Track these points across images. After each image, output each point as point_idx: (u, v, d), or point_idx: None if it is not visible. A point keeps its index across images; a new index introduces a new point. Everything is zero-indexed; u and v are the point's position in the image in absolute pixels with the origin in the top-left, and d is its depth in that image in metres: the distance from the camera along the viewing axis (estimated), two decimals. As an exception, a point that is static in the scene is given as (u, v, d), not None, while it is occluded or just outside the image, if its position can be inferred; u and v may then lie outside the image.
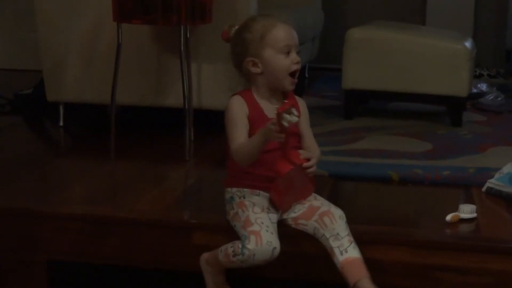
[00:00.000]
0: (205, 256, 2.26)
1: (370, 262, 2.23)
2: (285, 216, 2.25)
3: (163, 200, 2.59)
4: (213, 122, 3.38)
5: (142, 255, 2.39)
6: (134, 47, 3.42)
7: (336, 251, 2.13)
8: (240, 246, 2.10)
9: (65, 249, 2.43)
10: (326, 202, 2.25)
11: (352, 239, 2.15)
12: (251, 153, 2.13)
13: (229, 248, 2.14)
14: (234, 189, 2.24)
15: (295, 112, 2.02)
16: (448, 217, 2.34)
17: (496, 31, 5.40)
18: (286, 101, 2.16)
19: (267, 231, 2.11)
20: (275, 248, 2.10)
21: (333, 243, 2.14)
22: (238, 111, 2.19)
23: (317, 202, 2.25)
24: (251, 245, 2.08)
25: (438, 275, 2.22)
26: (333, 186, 2.75)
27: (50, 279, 2.47)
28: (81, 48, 3.54)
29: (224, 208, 2.28)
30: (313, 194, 2.27)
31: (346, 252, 2.13)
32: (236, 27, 2.26)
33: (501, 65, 5.26)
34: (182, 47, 3.08)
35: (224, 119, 2.22)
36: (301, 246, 2.25)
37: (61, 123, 3.69)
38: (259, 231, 2.10)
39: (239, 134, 2.17)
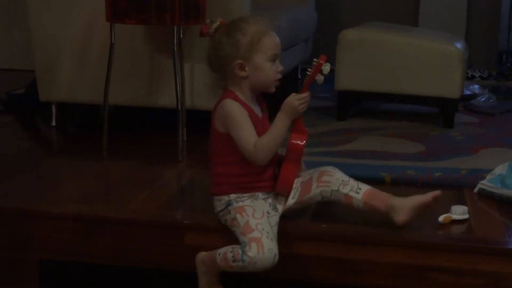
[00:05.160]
0: (201, 255, 2.24)
1: (362, 263, 2.24)
2: (286, 207, 2.26)
3: (156, 200, 2.58)
4: (206, 123, 3.38)
5: (135, 255, 2.38)
6: (127, 47, 3.41)
7: (352, 194, 2.21)
8: (240, 252, 2.09)
9: (57, 248, 2.42)
10: (311, 170, 2.30)
11: (353, 179, 2.24)
12: (276, 142, 2.16)
13: (228, 253, 2.12)
14: (232, 195, 2.22)
15: (328, 68, 2.13)
16: (440, 218, 2.34)
17: (489, 33, 5.41)
18: (322, 56, 2.18)
19: (267, 237, 2.09)
20: (275, 254, 2.09)
21: (345, 189, 2.21)
22: (242, 113, 2.18)
23: (305, 175, 2.29)
24: (252, 252, 2.06)
25: (431, 276, 2.22)
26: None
27: (42, 278, 2.46)
28: (74, 48, 3.54)
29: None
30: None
31: (360, 189, 2.21)
32: (217, 23, 2.24)
33: (493, 67, 5.27)
34: (175, 47, 3.08)
35: (226, 125, 2.20)
36: (295, 247, 2.25)
37: (54, 123, 3.68)
38: (260, 238, 2.08)
39: (251, 134, 2.17)
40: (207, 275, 2.24)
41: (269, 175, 2.24)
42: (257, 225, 2.12)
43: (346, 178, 2.25)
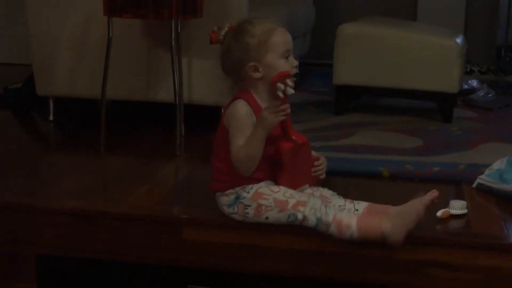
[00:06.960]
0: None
1: (360, 259, 2.24)
2: None
3: (154, 195, 2.58)
4: (204, 117, 3.38)
5: (132, 250, 2.38)
6: (125, 42, 3.40)
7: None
8: (306, 221, 2.15)
9: (54, 243, 2.42)
10: (313, 188, 2.31)
11: (350, 200, 2.25)
12: (252, 155, 2.12)
13: (324, 227, 2.15)
14: (237, 188, 2.21)
15: (290, 83, 2.07)
16: (439, 213, 2.34)
17: (487, 27, 5.40)
18: (281, 72, 2.12)
19: (298, 196, 2.18)
20: (313, 196, 2.21)
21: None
22: (246, 119, 2.16)
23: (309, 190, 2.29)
24: (305, 211, 2.15)
25: (429, 271, 2.22)
26: (323, 182, 2.74)
27: (38, 273, 2.46)
28: (72, 42, 3.53)
29: (215, 204, 2.28)
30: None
31: (357, 210, 2.22)
32: (225, 29, 2.23)
33: (492, 62, 5.26)
34: (173, 42, 3.07)
35: (229, 123, 2.18)
36: (293, 242, 2.24)
37: (51, 118, 3.68)
38: (296, 200, 2.17)
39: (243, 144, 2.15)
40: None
41: (262, 175, 2.22)
42: (284, 194, 2.19)
43: (342, 201, 2.26)
